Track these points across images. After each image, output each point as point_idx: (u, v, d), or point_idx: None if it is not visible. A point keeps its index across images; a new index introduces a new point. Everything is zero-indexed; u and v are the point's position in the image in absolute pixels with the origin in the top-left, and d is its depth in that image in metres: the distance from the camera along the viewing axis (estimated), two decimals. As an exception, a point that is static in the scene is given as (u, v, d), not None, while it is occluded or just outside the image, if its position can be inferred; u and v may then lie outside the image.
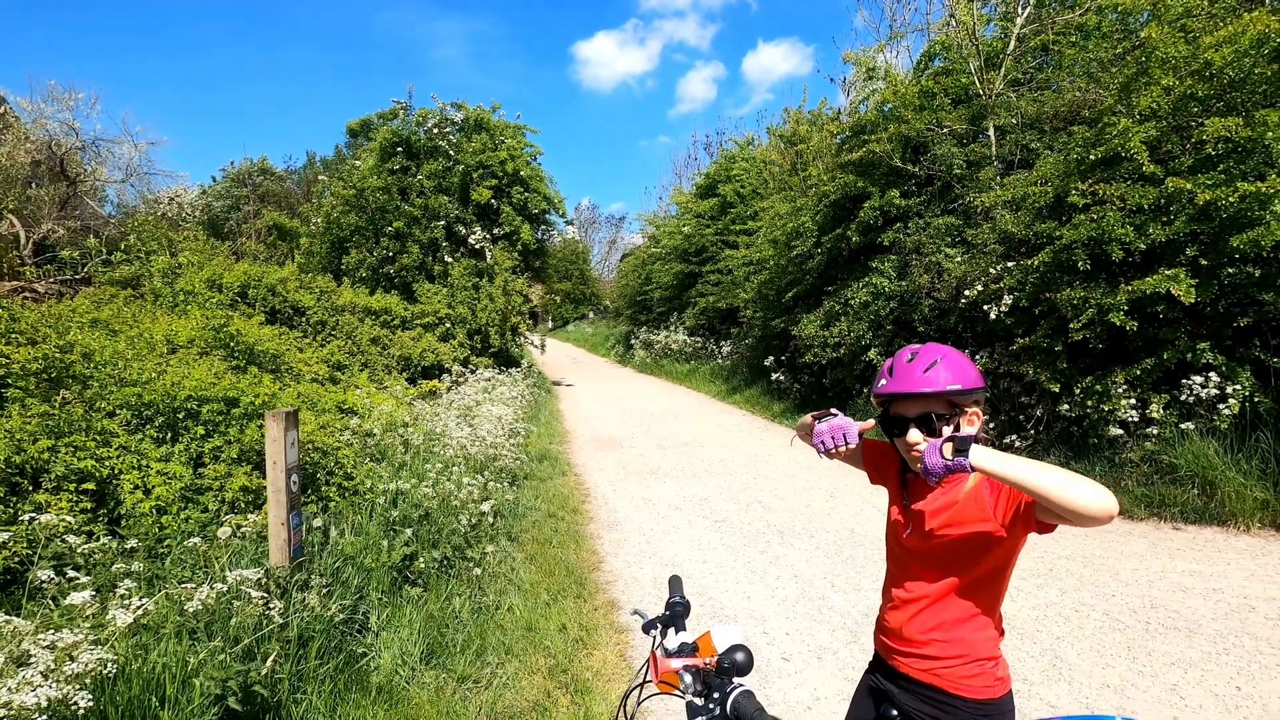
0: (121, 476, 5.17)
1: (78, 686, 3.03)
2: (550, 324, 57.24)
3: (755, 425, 15.39)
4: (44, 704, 2.83)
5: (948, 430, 2.24)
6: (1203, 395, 8.06)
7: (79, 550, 4.28)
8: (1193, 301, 7.86)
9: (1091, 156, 9.14)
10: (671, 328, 28.61)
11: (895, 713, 2.42)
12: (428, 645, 4.78)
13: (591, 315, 58.84)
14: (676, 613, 2.40)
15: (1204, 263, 8.00)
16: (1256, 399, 7.92)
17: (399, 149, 19.02)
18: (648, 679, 2.28)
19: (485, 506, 6.68)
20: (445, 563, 5.83)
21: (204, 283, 12.44)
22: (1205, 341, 8.17)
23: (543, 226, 21.30)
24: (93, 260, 16.68)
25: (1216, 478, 7.69)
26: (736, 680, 1.99)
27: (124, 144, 24.83)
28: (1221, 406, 7.95)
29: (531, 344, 23.68)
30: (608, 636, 5.32)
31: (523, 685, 4.57)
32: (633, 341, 32.29)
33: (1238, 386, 7.92)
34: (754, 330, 19.94)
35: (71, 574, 3.89)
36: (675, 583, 2.52)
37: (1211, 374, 8.10)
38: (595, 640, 5.23)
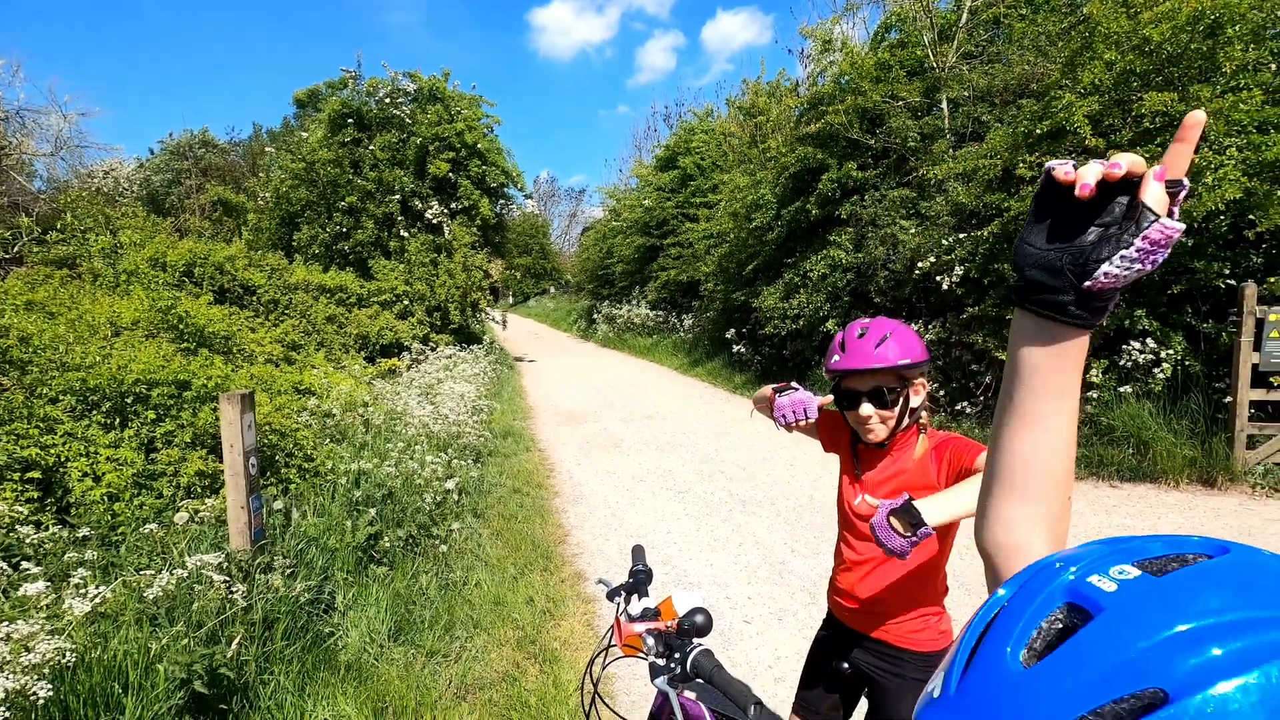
0: (69, 464, 5.07)
1: (36, 677, 3.03)
2: (511, 300, 56.81)
3: (717, 397, 15.48)
4: (1, 695, 2.83)
5: (918, 400, 2.37)
6: (1139, 360, 8.48)
7: (28, 541, 4.23)
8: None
9: (1038, 130, 9.35)
10: (633, 302, 28.52)
11: (846, 666, 2.57)
12: (395, 623, 4.82)
13: (553, 290, 57.88)
14: (639, 580, 2.48)
15: None
16: (1187, 363, 8.35)
17: (350, 120, 18.39)
18: (612, 644, 2.39)
19: (450, 484, 6.69)
20: (411, 541, 5.83)
21: (147, 261, 12.07)
22: (1142, 309, 8.56)
23: (501, 200, 20.91)
24: (24, 239, 16.04)
25: (1150, 437, 8.15)
26: (696, 640, 2.09)
27: (51, 115, 23.68)
28: (1156, 370, 8.36)
29: (493, 320, 23.42)
30: (575, 607, 5.41)
31: (492, 657, 4.64)
32: (595, 316, 32.09)
33: (1170, 351, 8.35)
34: (715, 303, 19.95)
35: (24, 565, 3.86)
36: (638, 552, 2.59)
37: (1147, 340, 8.51)
38: (562, 611, 5.32)
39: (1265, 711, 0.56)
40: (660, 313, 26.36)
